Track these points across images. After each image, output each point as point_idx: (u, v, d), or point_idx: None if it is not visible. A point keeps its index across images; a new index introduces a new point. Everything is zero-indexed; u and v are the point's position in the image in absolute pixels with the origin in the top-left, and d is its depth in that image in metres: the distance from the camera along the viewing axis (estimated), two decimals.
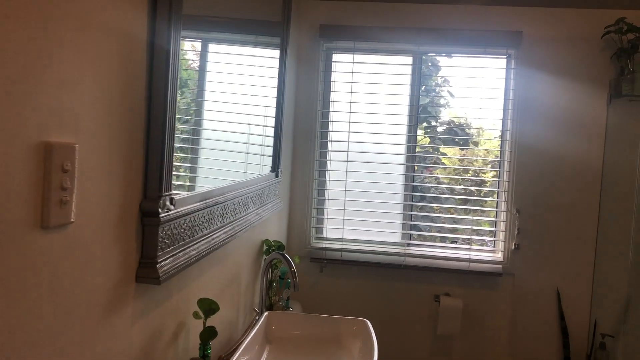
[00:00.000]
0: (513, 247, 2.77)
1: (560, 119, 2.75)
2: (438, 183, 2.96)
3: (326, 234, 2.95)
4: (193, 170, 1.43)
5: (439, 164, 3.00)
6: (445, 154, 3.00)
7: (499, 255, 2.83)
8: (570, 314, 2.76)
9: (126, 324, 1.09)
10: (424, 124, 2.97)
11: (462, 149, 2.99)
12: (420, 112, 2.94)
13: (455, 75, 2.90)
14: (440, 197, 2.95)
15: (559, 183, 2.76)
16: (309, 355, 1.85)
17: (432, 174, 2.97)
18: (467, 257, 2.81)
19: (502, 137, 2.85)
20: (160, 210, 1.12)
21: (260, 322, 1.90)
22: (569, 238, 2.75)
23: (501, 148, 2.85)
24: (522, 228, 2.77)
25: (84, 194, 0.90)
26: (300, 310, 2.61)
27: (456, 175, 2.95)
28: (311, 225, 2.91)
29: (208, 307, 1.36)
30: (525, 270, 2.78)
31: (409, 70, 2.89)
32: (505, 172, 2.83)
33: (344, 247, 2.88)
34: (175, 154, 1.20)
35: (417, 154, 2.92)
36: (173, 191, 1.20)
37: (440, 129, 2.98)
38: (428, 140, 3.00)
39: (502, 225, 2.83)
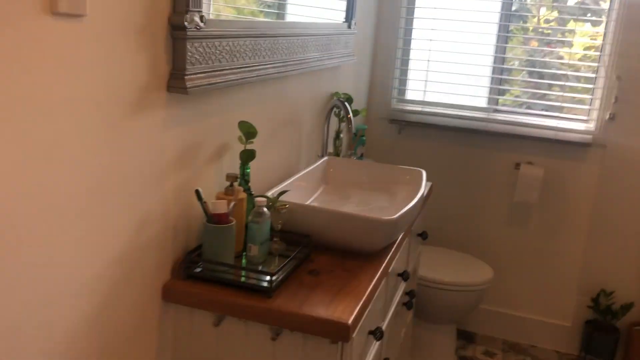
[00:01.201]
0: (607, 116, 2.56)
1: None
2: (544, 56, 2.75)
3: (408, 95, 2.91)
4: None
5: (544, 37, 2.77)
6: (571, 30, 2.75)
7: (591, 125, 2.64)
8: None
9: (158, 127, 1.21)
10: None
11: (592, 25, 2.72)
12: None
13: None
14: (533, 60, 2.75)
15: None
16: (359, 196, 1.93)
17: (550, 48, 2.76)
18: (555, 125, 2.66)
19: None
20: (187, 24, 1.18)
21: (318, 163, 1.99)
22: None
23: (609, 6, 2.55)
24: (620, 97, 2.54)
25: None
26: None
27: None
28: (393, 85, 2.88)
29: (247, 130, 1.46)
30: (618, 142, 2.59)
31: None
32: (609, 34, 2.55)
33: (425, 109, 2.84)
34: None
35: (513, 13, 2.71)
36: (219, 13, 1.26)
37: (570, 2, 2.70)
38: (556, 13, 2.73)
39: (598, 93, 2.61)
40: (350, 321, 1.20)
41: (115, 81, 1.06)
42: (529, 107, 2.77)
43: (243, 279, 1.34)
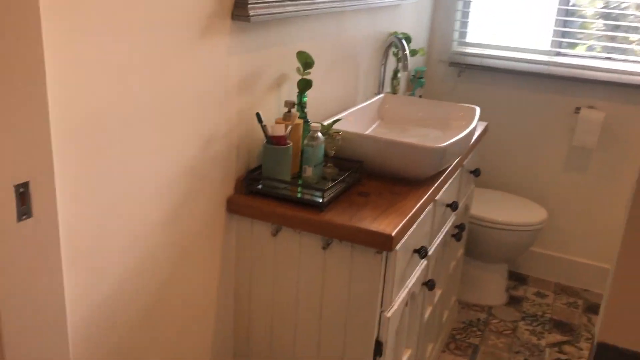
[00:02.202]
0: None
1: None
2: None
3: (469, 38, 2.91)
4: None
5: None
6: None
7: None
8: None
9: (223, 52, 1.33)
10: None
11: None
12: None
13: None
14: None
15: None
16: (412, 130, 2.01)
17: None
18: (620, 68, 2.60)
19: None
20: None
21: (375, 99, 2.08)
22: None
23: None
24: None
25: None
26: None
27: None
28: (454, 28, 2.89)
29: (305, 60, 1.56)
30: None
31: None
32: None
33: (485, 52, 2.84)
34: None
35: None
36: None
37: None
38: None
39: None
40: (393, 233, 1.32)
41: (186, 6, 1.19)
42: (591, 49, 2.71)
43: (299, 194, 1.47)
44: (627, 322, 0.49)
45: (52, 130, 0.87)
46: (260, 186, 1.49)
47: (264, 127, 1.46)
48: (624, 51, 2.66)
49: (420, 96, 2.69)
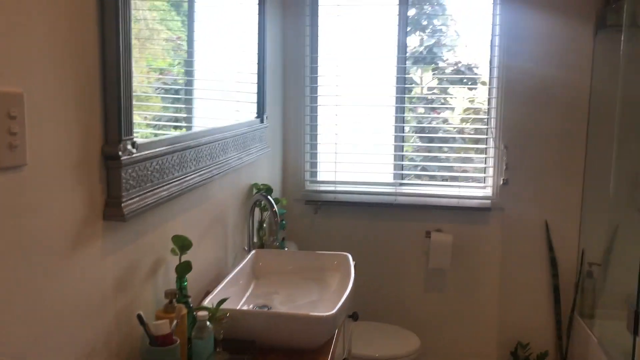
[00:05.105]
0: (501, 182, 2.82)
1: (546, 53, 2.74)
2: (431, 123, 3.00)
3: (320, 177, 3.03)
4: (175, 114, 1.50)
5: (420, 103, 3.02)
6: (451, 95, 3.02)
7: (488, 191, 2.89)
8: (559, 245, 2.83)
9: (96, 257, 1.19)
10: (432, 65, 2.97)
11: (470, 89, 3.00)
12: (427, 54, 2.95)
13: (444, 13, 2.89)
14: (432, 136, 2.99)
15: (546, 117, 2.78)
16: (292, 289, 1.96)
17: (436, 114, 3.00)
18: (457, 193, 2.88)
19: (490, 74, 2.86)
20: (121, 153, 1.20)
21: (247, 258, 2.01)
22: (557, 171, 2.80)
23: (489, 85, 2.86)
24: (510, 163, 2.81)
25: (38, 138, 0.98)
26: (296, 250, 2.72)
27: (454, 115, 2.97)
28: (305, 169, 2.99)
29: (182, 243, 1.46)
30: (514, 204, 2.84)
31: (396, 10, 2.89)
32: (493, 109, 2.85)
33: (337, 189, 2.97)
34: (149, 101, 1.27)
35: (408, 96, 2.95)
36: (141, 137, 1.29)
37: (448, 70, 2.98)
38: (436, 81, 2.99)
39: (490, 162, 2.88)
40: None
41: (54, 221, 1.05)
42: (431, 179, 2.98)
43: None
44: None
45: None
46: None
47: (146, 329, 1.30)
48: (455, 178, 2.96)
49: (283, 238, 2.69)
